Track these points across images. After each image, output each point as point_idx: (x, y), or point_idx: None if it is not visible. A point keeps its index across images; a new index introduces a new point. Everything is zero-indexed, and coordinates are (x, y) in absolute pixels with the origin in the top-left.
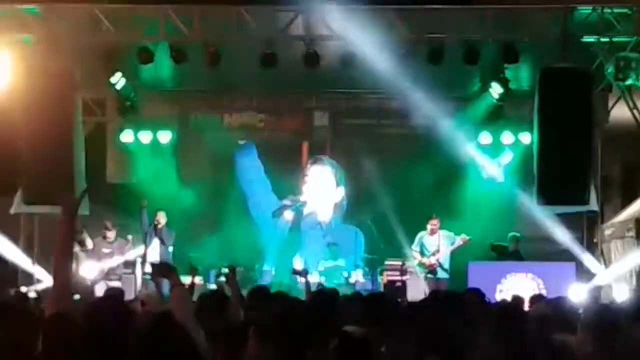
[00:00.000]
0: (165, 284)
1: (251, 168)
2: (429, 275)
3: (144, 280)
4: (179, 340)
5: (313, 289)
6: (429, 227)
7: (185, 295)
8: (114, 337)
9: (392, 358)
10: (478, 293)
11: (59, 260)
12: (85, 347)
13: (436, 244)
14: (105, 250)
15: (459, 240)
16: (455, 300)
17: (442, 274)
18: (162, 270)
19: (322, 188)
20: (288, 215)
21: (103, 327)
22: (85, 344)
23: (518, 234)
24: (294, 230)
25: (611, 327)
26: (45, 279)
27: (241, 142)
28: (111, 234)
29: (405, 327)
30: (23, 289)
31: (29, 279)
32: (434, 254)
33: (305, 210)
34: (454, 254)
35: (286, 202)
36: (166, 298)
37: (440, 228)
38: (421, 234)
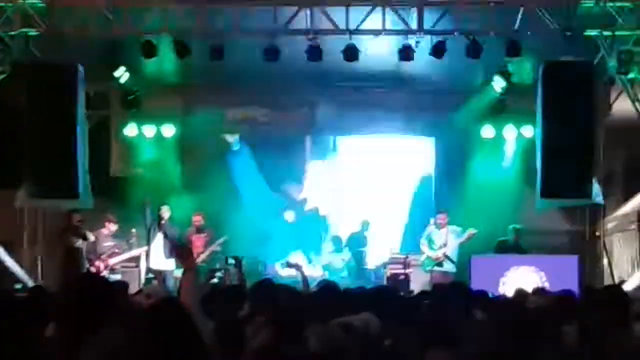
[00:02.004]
0: (169, 278)
1: (244, 168)
2: (436, 268)
3: (146, 279)
4: (181, 324)
5: (315, 282)
6: (437, 221)
7: (195, 281)
8: None
9: (396, 350)
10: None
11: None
12: None
13: (444, 238)
14: (108, 244)
15: (466, 234)
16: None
17: (449, 267)
18: (178, 251)
19: (324, 183)
20: (289, 215)
21: None
22: None
23: (518, 226)
24: (296, 225)
25: None
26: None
27: (229, 139)
28: (113, 227)
29: (408, 319)
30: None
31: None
32: (441, 248)
33: (307, 206)
34: (460, 248)
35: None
36: (170, 291)
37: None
38: (429, 228)
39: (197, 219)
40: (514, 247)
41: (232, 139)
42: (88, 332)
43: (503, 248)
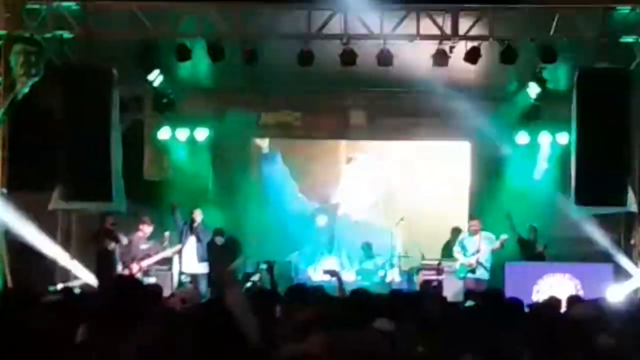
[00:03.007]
0: (203, 282)
1: (275, 173)
2: (469, 275)
3: (179, 282)
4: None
5: (349, 288)
6: (470, 228)
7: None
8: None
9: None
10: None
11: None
12: None
13: (477, 244)
14: (143, 247)
15: (499, 241)
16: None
17: (482, 274)
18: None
19: (357, 188)
20: (322, 220)
21: None
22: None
23: (535, 224)
24: (328, 231)
25: None
26: (82, 274)
27: (261, 143)
28: (149, 230)
29: (441, 326)
30: (68, 284)
31: (66, 275)
32: (474, 254)
33: (340, 211)
34: (493, 254)
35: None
36: (204, 295)
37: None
38: (462, 235)
39: (217, 237)
40: (530, 245)
41: (264, 143)
42: (122, 334)
43: (523, 247)
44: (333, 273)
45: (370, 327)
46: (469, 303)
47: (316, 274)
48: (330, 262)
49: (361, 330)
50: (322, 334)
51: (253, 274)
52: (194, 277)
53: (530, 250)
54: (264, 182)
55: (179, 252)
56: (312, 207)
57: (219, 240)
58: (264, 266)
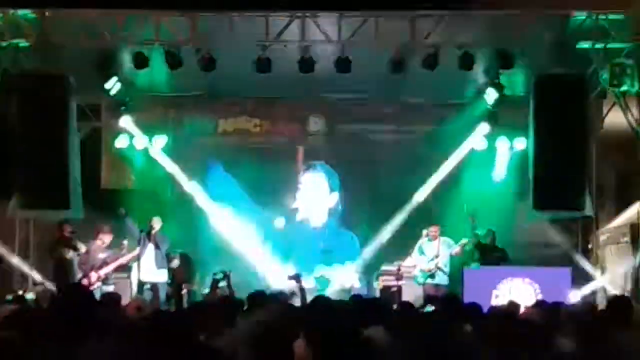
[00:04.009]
0: (163, 290)
1: (222, 184)
2: (428, 280)
3: (139, 287)
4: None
5: (308, 295)
6: (429, 233)
7: None
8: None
9: None
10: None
11: None
12: None
13: (436, 249)
14: (101, 255)
15: (458, 245)
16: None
17: (441, 279)
18: None
19: (316, 194)
20: (280, 222)
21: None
22: None
23: (493, 229)
24: (287, 235)
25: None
26: (41, 282)
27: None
28: (108, 239)
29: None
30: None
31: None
32: (433, 259)
33: (299, 217)
34: (453, 259)
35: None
36: (163, 303)
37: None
38: (421, 240)
39: (173, 260)
40: (492, 248)
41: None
42: (73, 346)
43: (483, 250)
44: (296, 278)
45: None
46: (428, 308)
47: (275, 281)
48: (289, 268)
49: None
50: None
51: (219, 280)
52: (154, 286)
53: (489, 254)
54: (212, 192)
55: (137, 259)
56: (269, 213)
57: (175, 263)
58: (219, 276)
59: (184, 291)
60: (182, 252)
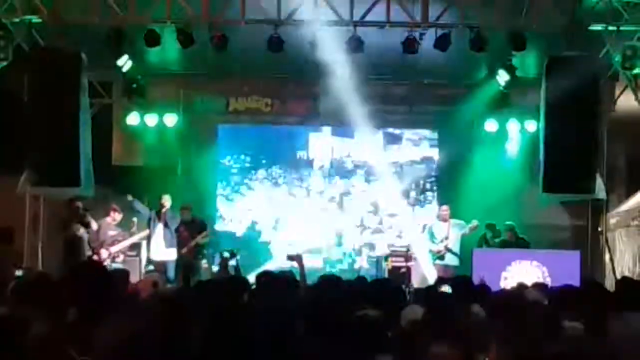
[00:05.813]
0: (170, 268)
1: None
2: (437, 261)
3: (146, 271)
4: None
5: (316, 274)
6: (439, 213)
7: None
8: None
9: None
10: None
11: None
12: None
13: (445, 231)
14: (111, 233)
15: (469, 226)
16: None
17: (451, 260)
18: None
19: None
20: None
21: None
22: None
23: (512, 223)
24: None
25: None
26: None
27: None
28: (118, 217)
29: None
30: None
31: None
32: (442, 241)
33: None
34: (463, 240)
35: None
36: (172, 281)
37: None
38: (431, 221)
39: (184, 212)
40: (516, 244)
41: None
42: (89, 320)
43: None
44: (296, 258)
45: None
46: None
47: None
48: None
49: None
50: None
51: (228, 259)
52: (162, 264)
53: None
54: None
55: (148, 238)
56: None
57: (187, 214)
58: (226, 254)
59: (193, 243)
60: (195, 216)
